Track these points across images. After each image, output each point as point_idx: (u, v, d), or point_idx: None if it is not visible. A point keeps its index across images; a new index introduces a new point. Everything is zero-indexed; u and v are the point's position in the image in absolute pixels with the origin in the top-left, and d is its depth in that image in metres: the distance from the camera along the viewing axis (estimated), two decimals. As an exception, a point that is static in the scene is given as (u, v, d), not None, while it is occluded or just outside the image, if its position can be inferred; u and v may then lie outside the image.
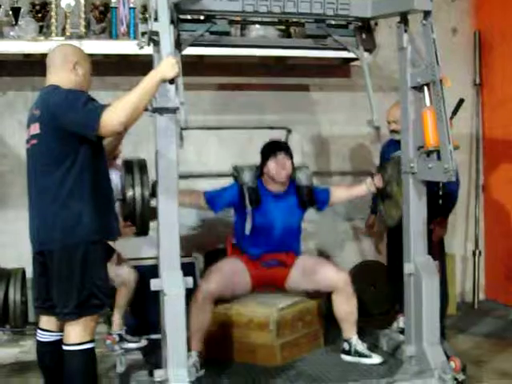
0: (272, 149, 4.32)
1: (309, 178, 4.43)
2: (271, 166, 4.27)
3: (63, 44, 3.50)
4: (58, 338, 3.28)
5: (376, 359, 4.12)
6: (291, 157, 4.34)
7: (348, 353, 4.22)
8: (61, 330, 3.26)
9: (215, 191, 4.34)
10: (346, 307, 4.24)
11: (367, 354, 4.16)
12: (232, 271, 4.22)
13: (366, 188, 4.37)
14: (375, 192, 4.39)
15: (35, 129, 3.14)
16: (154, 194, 3.50)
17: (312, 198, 4.39)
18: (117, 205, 3.48)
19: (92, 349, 3.19)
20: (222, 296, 4.17)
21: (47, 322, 3.33)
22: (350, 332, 4.26)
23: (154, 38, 3.31)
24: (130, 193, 3.47)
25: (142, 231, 3.63)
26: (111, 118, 2.93)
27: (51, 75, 3.25)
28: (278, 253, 4.33)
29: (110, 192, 3.32)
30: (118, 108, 2.94)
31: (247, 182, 4.28)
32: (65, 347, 3.16)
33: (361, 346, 4.20)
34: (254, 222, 4.23)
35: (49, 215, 3.11)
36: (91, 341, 3.18)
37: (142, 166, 3.56)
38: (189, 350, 3.87)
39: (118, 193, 3.98)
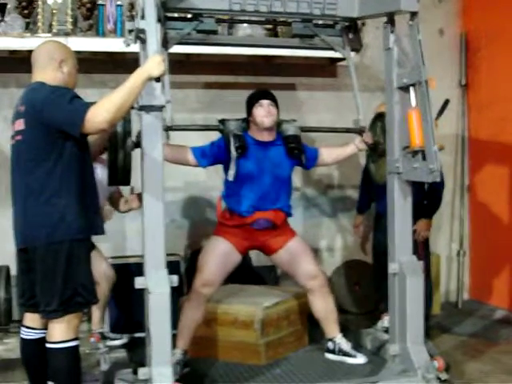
0: (257, 96, 4.18)
1: (295, 129, 4.26)
2: (256, 112, 4.12)
3: (49, 41, 3.48)
4: (42, 335, 3.26)
5: (360, 359, 4.13)
6: (277, 105, 4.19)
7: (332, 352, 4.23)
8: (45, 327, 3.24)
9: (202, 146, 4.17)
10: (324, 305, 4.23)
11: (352, 353, 4.17)
12: (220, 256, 4.08)
13: (354, 146, 4.28)
14: (365, 149, 4.32)
15: (20, 125, 3.13)
16: (138, 145, 3.44)
17: (300, 146, 4.21)
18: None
19: (76, 346, 3.18)
20: (219, 284, 4.10)
21: (31, 319, 3.31)
22: (332, 331, 4.26)
23: (140, 36, 3.30)
24: (113, 141, 3.41)
25: (124, 180, 3.56)
26: (96, 116, 2.92)
27: (37, 73, 3.24)
28: (268, 210, 4.13)
29: (95, 188, 3.31)
30: (103, 106, 2.93)
31: (233, 129, 4.12)
32: (48, 345, 3.15)
33: (345, 345, 4.21)
34: (240, 170, 4.06)
35: (33, 212, 3.10)
36: (75, 338, 3.17)
37: (127, 115, 3.41)
38: (174, 346, 3.87)
39: (103, 188, 3.98)
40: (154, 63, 3.01)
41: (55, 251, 3.07)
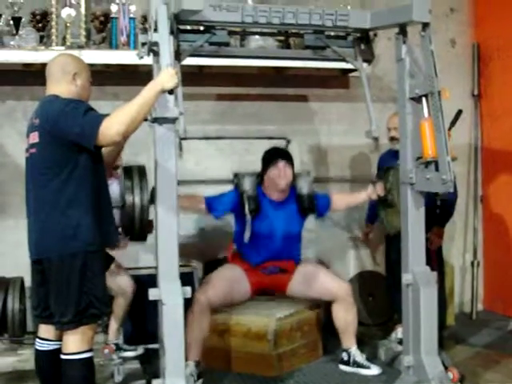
0: (273, 156, 4.31)
1: (310, 186, 4.42)
2: (272, 173, 4.26)
3: (62, 54, 3.51)
4: (57, 347, 3.28)
5: (374, 370, 4.13)
6: (292, 164, 4.33)
7: (347, 363, 4.23)
8: (59, 339, 3.25)
9: (215, 197, 4.32)
10: (346, 317, 4.25)
11: (366, 364, 4.17)
12: (230, 279, 4.22)
13: (366, 196, 4.37)
14: (376, 200, 4.38)
15: (34, 138, 3.15)
16: (152, 201, 3.51)
17: (313, 205, 4.37)
18: (115, 212, 3.49)
19: (90, 358, 3.19)
20: (220, 305, 4.16)
21: (46, 330, 3.32)
22: (349, 342, 4.26)
23: (153, 49, 3.33)
24: (129, 198, 3.50)
25: (141, 237, 3.64)
26: (110, 128, 2.94)
27: (51, 86, 3.27)
28: (279, 260, 4.32)
29: (109, 201, 3.32)
30: (117, 118, 2.96)
31: (247, 189, 4.27)
32: (63, 356, 3.16)
33: (360, 357, 4.21)
34: (253, 230, 4.22)
35: (47, 224, 3.11)
36: (89, 350, 3.18)
37: (142, 172, 3.60)
38: (186, 359, 3.88)
39: (117, 203, 3.99)
40: (167, 76, 3.03)
41: (69, 263, 3.08)
